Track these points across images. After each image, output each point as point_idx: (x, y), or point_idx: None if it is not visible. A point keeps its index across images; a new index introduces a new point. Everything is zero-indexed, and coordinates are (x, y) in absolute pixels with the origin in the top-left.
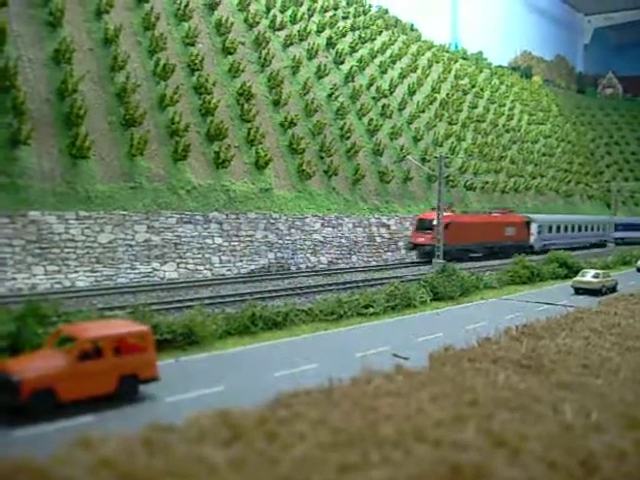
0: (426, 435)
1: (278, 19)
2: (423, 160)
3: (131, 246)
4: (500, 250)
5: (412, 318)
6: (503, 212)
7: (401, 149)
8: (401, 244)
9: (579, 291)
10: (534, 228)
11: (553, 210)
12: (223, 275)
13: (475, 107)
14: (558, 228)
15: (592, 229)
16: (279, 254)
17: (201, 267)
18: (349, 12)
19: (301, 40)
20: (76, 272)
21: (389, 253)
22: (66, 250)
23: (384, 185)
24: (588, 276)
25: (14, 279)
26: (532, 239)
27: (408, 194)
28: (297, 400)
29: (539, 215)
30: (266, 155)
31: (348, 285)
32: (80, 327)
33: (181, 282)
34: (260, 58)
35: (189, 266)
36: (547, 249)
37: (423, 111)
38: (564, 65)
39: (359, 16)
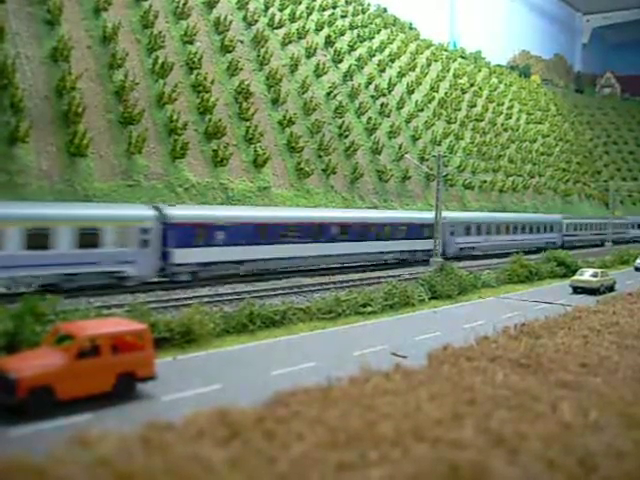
0: (424, 434)
1: (277, 17)
2: (422, 159)
3: None
4: None
5: (410, 317)
6: None
7: (400, 148)
8: None
9: (577, 290)
10: None
11: (551, 210)
12: None
13: (474, 106)
14: None
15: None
16: None
17: None
18: (348, 11)
19: (300, 38)
20: None
21: None
22: None
23: (382, 184)
24: (586, 275)
25: None
26: None
27: (406, 193)
28: (295, 399)
29: None
30: (264, 153)
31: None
32: (78, 325)
33: (180, 280)
34: (259, 56)
35: None
36: None
37: (422, 110)
38: (562, 64)
39: (358, 15)
